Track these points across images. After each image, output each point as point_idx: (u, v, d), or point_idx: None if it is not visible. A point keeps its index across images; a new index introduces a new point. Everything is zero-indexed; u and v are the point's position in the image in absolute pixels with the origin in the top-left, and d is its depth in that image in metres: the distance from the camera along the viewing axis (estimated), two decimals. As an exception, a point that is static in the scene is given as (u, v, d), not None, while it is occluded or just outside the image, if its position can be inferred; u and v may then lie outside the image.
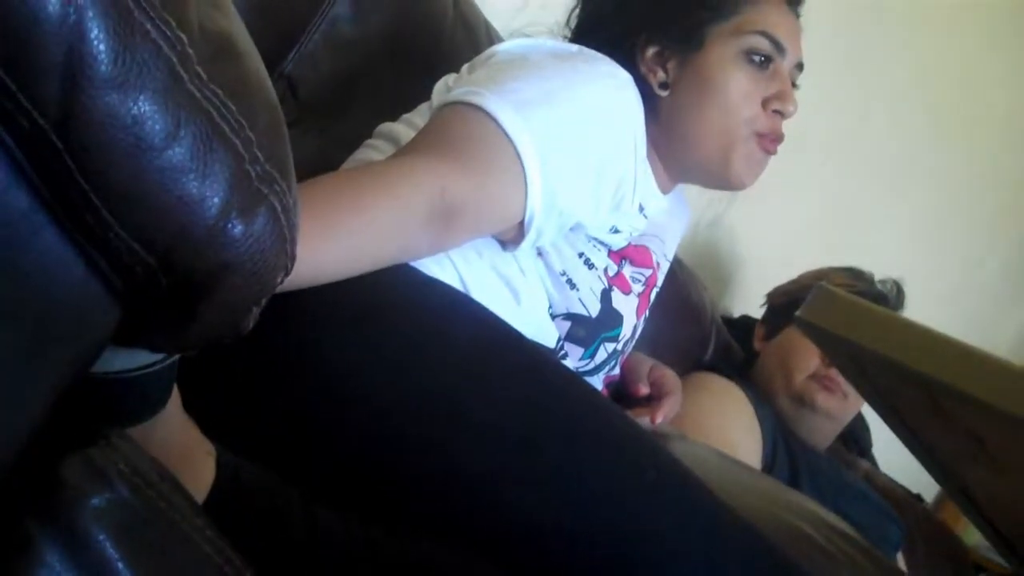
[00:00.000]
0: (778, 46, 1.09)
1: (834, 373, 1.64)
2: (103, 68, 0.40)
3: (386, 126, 1.07)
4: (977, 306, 3.16)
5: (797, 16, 1.14)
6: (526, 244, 0.95)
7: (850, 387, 1.63)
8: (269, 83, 0.51)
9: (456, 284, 0.94)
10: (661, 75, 1.09)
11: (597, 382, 1.12)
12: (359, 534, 0.73)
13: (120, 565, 0.50)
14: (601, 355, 1.08)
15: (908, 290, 1.80)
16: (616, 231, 1.05)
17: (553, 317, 1.03)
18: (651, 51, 1.09)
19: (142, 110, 0.42)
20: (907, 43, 2.42)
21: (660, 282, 1.20)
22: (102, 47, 0.40)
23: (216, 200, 0.45)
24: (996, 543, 0.95)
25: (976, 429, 0.62)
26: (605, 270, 1.06)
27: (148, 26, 0.42)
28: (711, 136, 1.09)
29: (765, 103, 1.09)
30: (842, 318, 0.61)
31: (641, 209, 1.06)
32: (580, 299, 1.03)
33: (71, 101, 0.40)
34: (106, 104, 0.41)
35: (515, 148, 0.89)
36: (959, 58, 2.62)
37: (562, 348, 1.04)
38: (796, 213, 2.03)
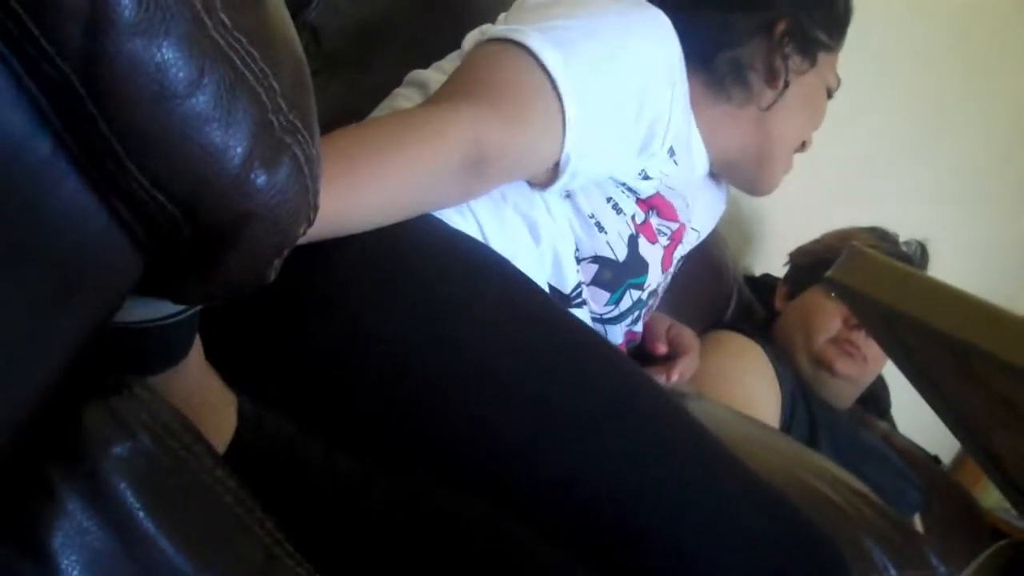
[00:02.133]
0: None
1: (855, 336, 1.63)
2: (127, 14, 0.40)
3: (416, 73, 1.06)
4: (1006, 266, 3.13)
5: None
6: (558, 186, 0.94)
7: (871, 350, 1.62)
8: (294, 32, 0.50)
9: (475, 231, 0.93)
10: (784, 73, 1.14)
11: (618, 332, 1.11)
12: (380, 485, 0.73)
13: (141, 514, 0.51)
14: (626, 302, 1.07)
15: (935, 249, 1.77)
16: (646, 177, 1.04)
17: (580, 260, 1.02)
18: (786, 44, 1.12)
19: (166, 57, 0.41)
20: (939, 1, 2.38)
21: (686, 241, 1.19)
22: (126, -8, 0.40)
23: (239, 149, 0.45)
24: (1020, 506, 0.94)
25: (1006, 392, 0.61)
26: (633, 217, 1.05)
27: (172, -30, 0.41)
28: (786, 145, 1.20)
29: None
30: (873, 279, 0.60)
31: (672, 154, 1.05)
32: (608, 242, 1.02)
33: (95, 47, 0.40)
34: (130, 50, 0.40)
35: (555, 87, 0.88)
36: (991, 15, 2.58)
37: (580, 294, 1.03)
38: (820, 172, 2.00)
